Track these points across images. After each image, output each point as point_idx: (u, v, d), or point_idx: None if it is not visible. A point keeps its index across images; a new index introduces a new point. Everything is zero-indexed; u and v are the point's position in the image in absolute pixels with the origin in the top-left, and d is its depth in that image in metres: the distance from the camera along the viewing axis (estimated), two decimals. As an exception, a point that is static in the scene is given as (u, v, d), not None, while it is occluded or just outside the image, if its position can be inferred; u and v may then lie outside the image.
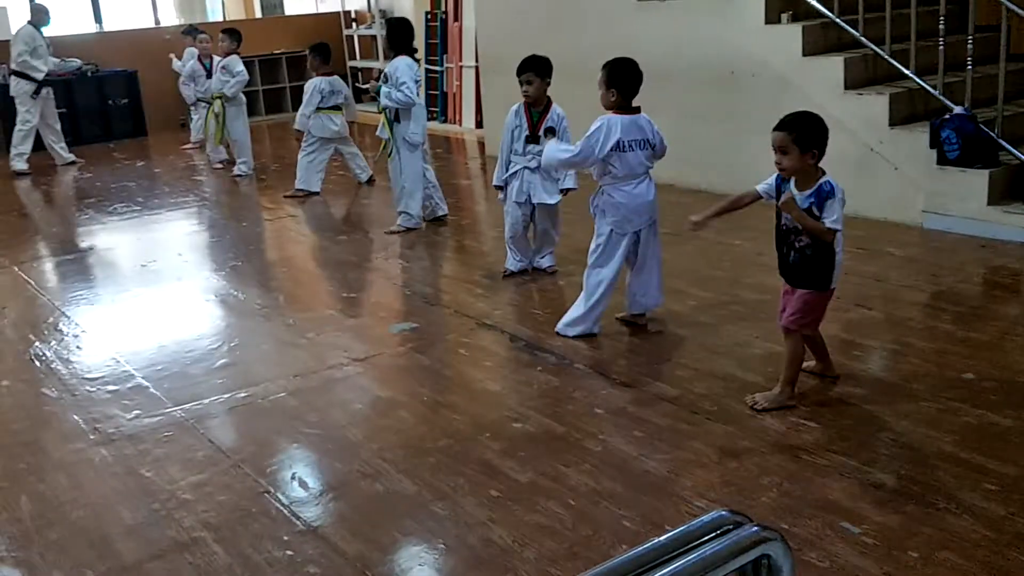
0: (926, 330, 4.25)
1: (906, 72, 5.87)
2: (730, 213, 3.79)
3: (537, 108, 5.02)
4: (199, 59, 9.72)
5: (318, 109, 7.57)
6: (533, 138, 5.04)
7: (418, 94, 6.27)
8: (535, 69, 4.94)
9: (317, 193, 7.78)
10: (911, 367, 3.83)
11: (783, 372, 3.52)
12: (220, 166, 9.30)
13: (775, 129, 3.35)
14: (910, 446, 3.19)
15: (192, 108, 10.45)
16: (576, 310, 4.32)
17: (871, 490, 2.93)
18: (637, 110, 4.17)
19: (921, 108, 5.89)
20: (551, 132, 4.96)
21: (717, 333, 4.30)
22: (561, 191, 5.13)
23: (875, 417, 3.41)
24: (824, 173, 3.36)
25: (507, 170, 5.15)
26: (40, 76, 9.57)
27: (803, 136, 3.29)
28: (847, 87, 5.98)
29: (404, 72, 6.09)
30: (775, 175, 3.49)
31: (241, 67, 8.62)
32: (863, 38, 6.04)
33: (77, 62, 11.00)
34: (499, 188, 5.24)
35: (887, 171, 5.80)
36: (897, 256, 5.25)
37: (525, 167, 5.10)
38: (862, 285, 4.80)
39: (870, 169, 5.85)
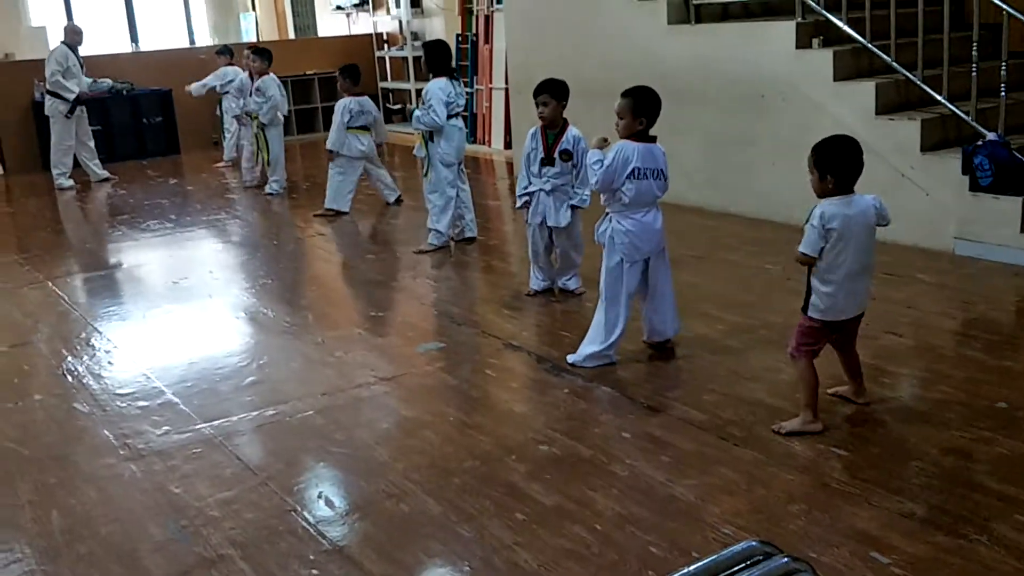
0: (957, 358, 4.21)
1: (938, 98, 5.84)
2: None
3: (553, 130, 5.04)
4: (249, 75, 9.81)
5: (348, 129, 7.64)
6: (548, 160, 5.06)
7: (459, 113, 6.31)
8: (550, 91, 4.97)
9: (346, 213, 7.83)
10: (942, 395, 3.79)
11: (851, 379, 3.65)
12: (252, 183, 9.40)
13: (809, 156, 3.45)
14: (941, 475, 3.16)
15: (225, 127, 10.59)
16: (592, 345, 4.25)
17: (901, 519, 2.90)
18: (654, 139, 4.15)
19: (953, 134, 5.86)
20: (567, 155, 4.99)
21: (746, 358, 4.28)
22: (570, 207, 5.11)
23: (905, 445, 3.38)
24: (829, 198, 3.39)
25: (525, 191, 5.19)
26: (71, 96, 9.72)
27: (819, 160, 3.38)
28: (878, 112, 5.96)
29: (435, 94, 6.15)
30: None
31: (274, 90, 8.72)
32: (895, 63, 6.01)
33: (108, 82, 11.17)
34: (521, 208, 5.29)
35: (918, 197, 5.76)
36: (928, 283, 5.21)
37: (540, 189, 5.12)
38: (892, 312, 4.76)
39: (901, 195, 5.81)
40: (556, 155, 5.02)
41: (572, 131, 5.04)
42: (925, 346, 4.36)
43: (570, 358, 4.29)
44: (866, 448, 3.37)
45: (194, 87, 10.52)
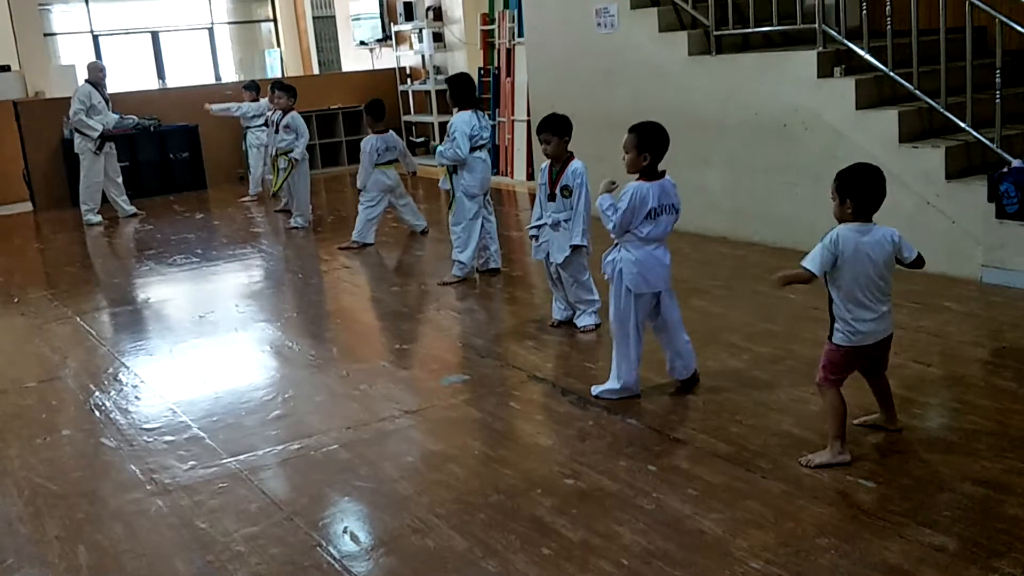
0: (987, 388, 4.15)
1: (962, 125, 5.81)
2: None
3: (556, 165, 5.05)
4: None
5: (376, 165, 7.71)
6: (551, 196, 5.07)
7: (483, 146, 6.35)
8: (551, 129, 5.00)
9: (371, 244, 7.88)
10: (972, 426, 3.74)
11: (883, 409, 3.64)
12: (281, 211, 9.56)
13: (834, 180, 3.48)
14: (973, 508, 3.11)
15: (251, 162, 10.72)
16: (613, 383, 4.24)
17: (932, 553, 2.85)
18: (663, 174, 4.13)
19: (978, 161, 5.82)
20: (566, 191, 5.00)
21: (772, 389, 4.25)
22: (571, 247, 5.06)
23: (936, 477, 3.33)
24: (845, 223, 3.42)
25: (534, 224, 5.24)
26: (95, 134, 9.86)
27: (841, 186, 3.41)
28: (902, 140, 5.94)
29: (458, 127, 6.20)
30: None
31: (304, 127, 8.83)
32: (917, 91, 6.00)
33: (133, 119, 11.25)
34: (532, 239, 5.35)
35: (944, 225, 5.72)
36: (956, 311, 5.16)
37: (546, 224, 5.14)
38: (920, 341, 4.72)
39: (926, 223, 5.78)
40: (557, 191, 5.04)
41: (574, 165, 5.02)
42: (954, 375, 4.31)
43: (594, 390, 4.28)
44: (896, 480, 3.32)
45: (215, 107, 10.85)
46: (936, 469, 3.39)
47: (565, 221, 5.08)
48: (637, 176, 4.11)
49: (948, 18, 5.83)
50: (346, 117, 13.01)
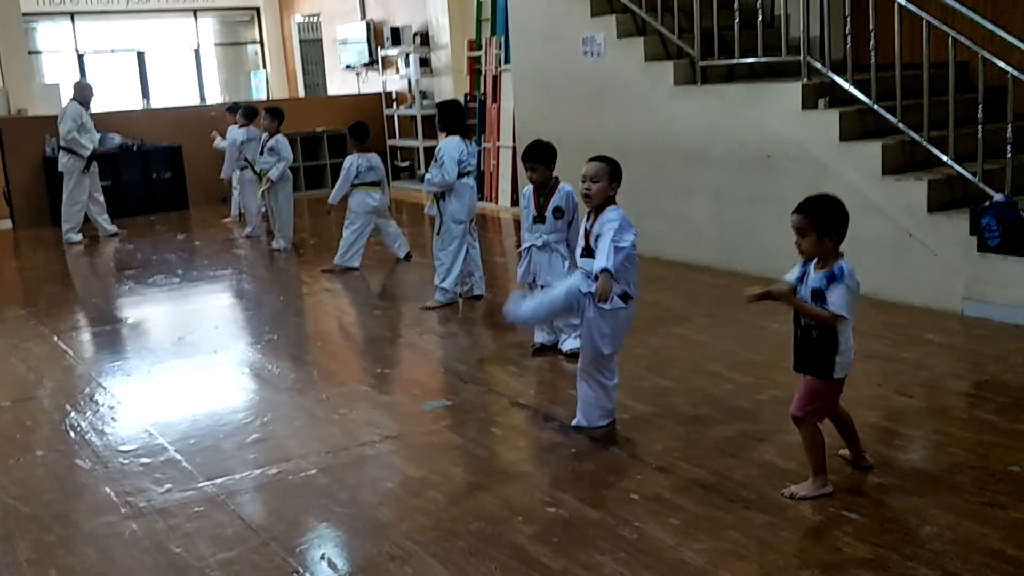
0: (969, 420, 4.15)
1: (944, 159, 5.86)
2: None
3: (543, 190, 5.07)
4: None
5: (357, 185, 7.68)
6: (539, 218, 5.09)
7: (469, 172, 6.34)
8: (536, 158, 5.01)
9: (356, 269, 7.84)
10: (954, 458, 3.74)
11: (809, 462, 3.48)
12: (255, 234, 9.51)
13: (794, 212, 3.38)
14: (955, 541, 3.09)
15: (234, 184, 10.64)
16: (591, 413, 4.20)
17: (916, 587, 2.83)
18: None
19: (960, 194, 5.86)
20: (559, 212, 5.03)
21: (755, 418, 4.23)
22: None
23: (918, 509, 3.32)
24: (841, 256, 3.35)
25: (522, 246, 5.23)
26: (86, 152, 9.83)
27: (820, 220, 3.32)
28: (885, 172, 5.97)
29: (447, 152, 6.19)
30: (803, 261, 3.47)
31: (288, 150, 8.81)
32: (901, 124, 6.05)
33: (117, 138, 11.25)
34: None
35: (926, 257, 5.75)
36: (938, 343, 5.17)
37: (532, 245, 5.14)
38: (902, 372, 4.72)
39: (909, 255, 5.81)
40: (548, 213, 5.05)
41: (564, 188, 5.05)
42: (936, 408, 4.31)
43: (576, 423, 4.22)
44: (879, 512, 3.31)
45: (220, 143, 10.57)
46: (918, 502, 3.38)
47: (556, 242, 5.07)
48: (601, 206, 4.08)
49: (931, 53, 5.89)
50: (331, 140, 13.02)
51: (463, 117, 6.57)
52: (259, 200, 9.26)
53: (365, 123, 7.95)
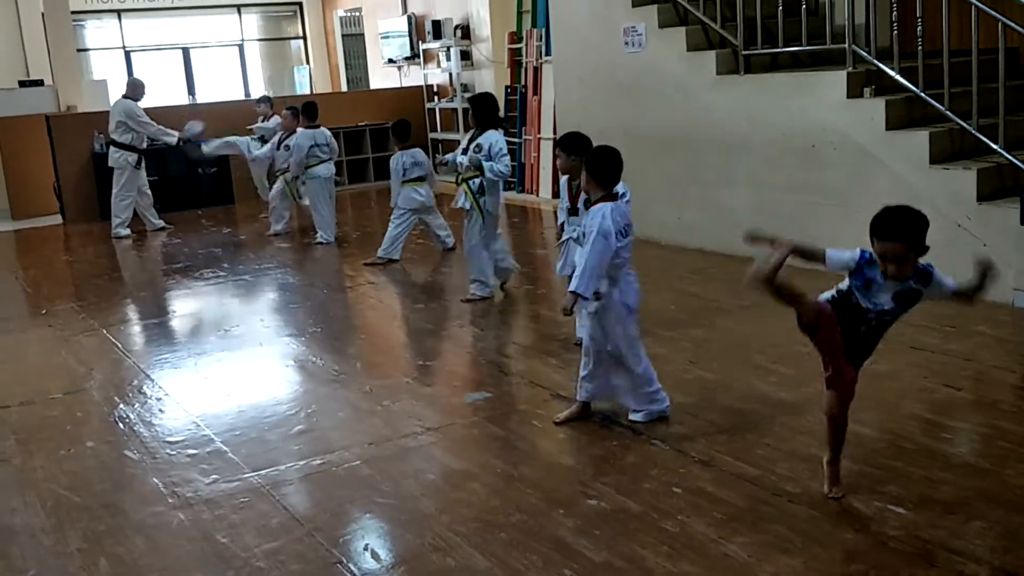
0: (1019, 413, 4.08)
1: (994, 147, 5.74)
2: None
3: (575, 180, 5.02)
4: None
5: (404, 182, 7.73)
6: (573, 210, 5.05)
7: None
8: (561, 145, 4.98)
9: (397, 260, 7.88)
10: (1003, 452, 3.67)
11: None
12: (283, 231, 9.62)
13: (884, 238, 3.12)
14: (1004, 535, 3.04)
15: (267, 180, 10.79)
16: (657, 403, 4.19)
17: (964, 582, 2.79)
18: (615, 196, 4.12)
19: (1011, 183, 5.75)
20: (590, 204, 4.96)
21: (800, 411, 4.19)
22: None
23: (966, 503, 3.27)
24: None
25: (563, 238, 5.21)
26: (173, 140, 10.21)
27: (919, 241, 3.15)
28: (932, 161, 5.87)
29: (503, 144, 6.21)
30: (858, 252, 3.26)
31: (301, 146, 8.92)
32: (948, 112, 5.94)
33: (199, 126, 10.99)
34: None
35: (976, 248, 5.64)
36: (988, 335, 5.08)
37: (570, 238, 5.12)
38: (950, 364, 4.65)
39: (957, 246, 5.70)
40: (580, 205, 5.01)
41: None
42: (985, 400, 4.24)
43: (635, 416, 4.18)
44: (926, 506, 3.26)
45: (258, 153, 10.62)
46: (966, 495, 3.32)
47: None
48: (599, 197, 4.06)
49: (980, 39, 5.77)
50: (373, 134, 13.09)
51: (498, 110, 6.53)
52: (290, 197, 9.40)
53: (407, 120, 7.99)
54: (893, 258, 3.12)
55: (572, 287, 4.01)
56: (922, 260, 3.21)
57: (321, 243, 8.99)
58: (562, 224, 5.22)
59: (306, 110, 9.15)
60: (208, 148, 10.41)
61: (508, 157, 6.24)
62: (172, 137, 10.22)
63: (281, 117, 9.58)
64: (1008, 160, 5.69)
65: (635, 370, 4.15)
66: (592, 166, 4.09)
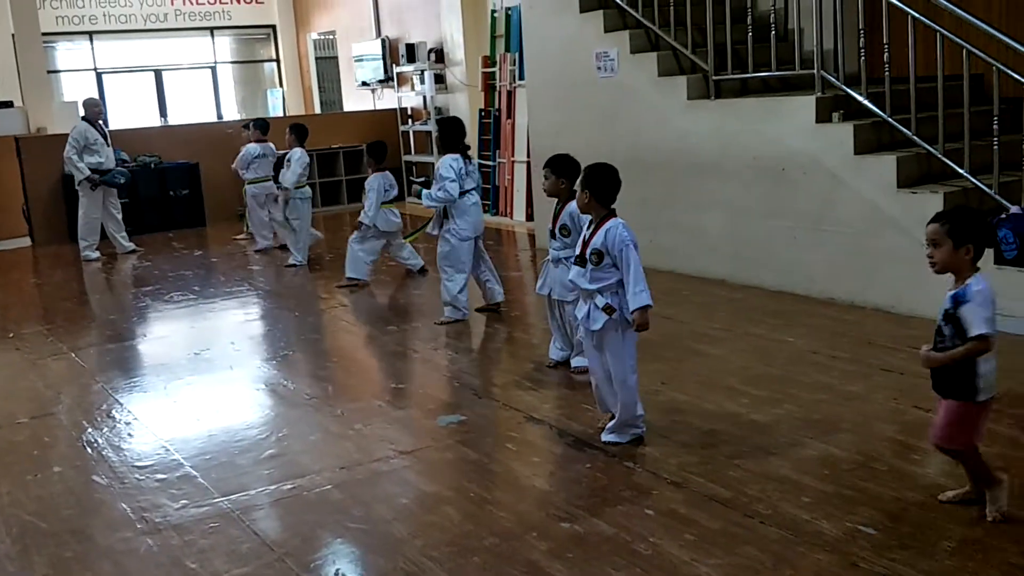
0: (988, 434, 4.07)
1: (960, 171, 5.83)
2: None
3: (559, 204, 5.04)
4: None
5: (383, 204, 7.75)
6: (552, 233, 5.07)
7: (474, 188, 6.37)
8: (551, 166, 4.97)
9: (367, 283, 7.86)
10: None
11: (974, 484, 3.35)
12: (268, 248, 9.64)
13: (930, 222, 3.21)
14: (974, 556, 3.07)
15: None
16: (633, 427, 4.19)
17: (934, 603, 2.81)
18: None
19: (976, 206, 5.82)
20: (565, 230, 4.98)
21: (771, 433, 4.21)
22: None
23: (936, 524, 3.29)
24: (976, 272, 3.17)
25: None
26: (80, 176, 9.92)
27: (958, 228, 3.13)
28: (900, 185, 5.95)
29: (447, 170, 6.21)
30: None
31: (301, 158, 8.91)
32: (915, 137, 6.03)
33: (122, 172, 10.68)
34: None
35: (943, 270, 5.71)
36: (955, 356, 5.12)
37: (549, 260, 5.13)
38: (920, 386, 4.66)
39: (925, 268, 5.72)
40: (556, 230, 5.02)
41: (572, 205, 4.91)
42: (954, 422, 4.27)
43: (606, 437, 4.19)
44: (896, 527, 3.28)
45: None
46: (936, 516, 3.35)
47: (566, 258, 5.06)
48: (603, 216, 4.10)
49: (946, 65, 5.87)
50: (347, 156, 13.09)
51: (462, 135, 6.53)
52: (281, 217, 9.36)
53: (383, 142, 8.01)
54: (930, 243, 3.20)
55: (639, 304, 3.94)
56: (975, 280, 3.15)
57: (293, 265, 8.95)
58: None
59: (259, 125, 9.51)
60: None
61: (450, 182, 6.16)
62: (81, 175, 9.91)
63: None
64: (974, 184, 5.78)
65: (631, 393, 4.14)
66: (593, 184, 4.11)
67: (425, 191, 6.28)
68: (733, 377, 4.97)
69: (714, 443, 4.15)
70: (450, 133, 6.41)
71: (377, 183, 7.70)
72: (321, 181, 12.89)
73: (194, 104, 17.03)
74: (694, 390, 4.85)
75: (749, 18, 7.03)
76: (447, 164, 6.25)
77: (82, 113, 10.30)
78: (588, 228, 4.16)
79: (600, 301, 4.04)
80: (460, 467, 4.12)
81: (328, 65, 16.14)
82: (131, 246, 10.39)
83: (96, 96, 11.10)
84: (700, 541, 3.27)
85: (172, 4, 16.48)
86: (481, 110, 11.67)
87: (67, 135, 10.17)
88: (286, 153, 9.07)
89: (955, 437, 3.25)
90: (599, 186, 4.10)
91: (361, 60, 14.25)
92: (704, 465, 3.91)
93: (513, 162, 11.02)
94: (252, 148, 9.92)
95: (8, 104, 13.05)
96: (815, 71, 6.49)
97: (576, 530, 3.41)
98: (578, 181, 4.18)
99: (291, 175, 8.81)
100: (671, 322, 5.98)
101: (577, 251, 4.17)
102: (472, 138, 10.22)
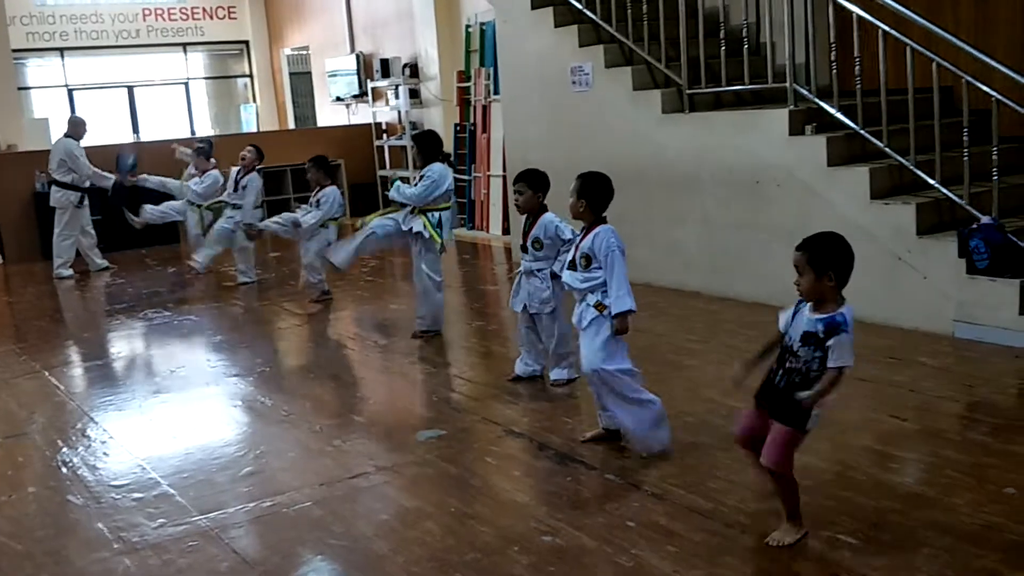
0: (963, 442, 4.16)
1: (931, 182, 5.90)
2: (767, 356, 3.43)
3: (531, 217, 5.06)
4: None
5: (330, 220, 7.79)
6: (523, 246, 5.10)
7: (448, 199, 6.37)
8: (526, 180, 5.01)
9: (329, 295, 7.85)
10: (949, 480, 3.74)
11: (784, 509, 3.29)
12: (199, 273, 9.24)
13: (796, 248, 3.19)
14: (953, 564, 3.09)
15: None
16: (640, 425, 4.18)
17: (914, 610, 2.83)
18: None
19: (948, 217, 5.90)
20: (537, 243, 5.01)
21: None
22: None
23: (915, 532, 3.32)
24: (843, 303, 3.12)
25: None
26: (108, 183, 10.02)
27: (817, 257, 3.10)
28: (873, 197, 6.01)
29: (436, 172, 6.16)
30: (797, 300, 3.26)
31: (257, 184, 9.04)
32: (887, 148, 6.10)
33: (130, 158, 10.68)
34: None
35: (916, 280, 5.78)
36: (929, 366, 5.18)
37: (521, 272, 5.14)
38: (895, 396, 4.73)
39: (899, 278, 5.83)
40: (529, 243, 5.04)
41: (546, 218, 4.98)
42: (930, 430, 4.31)
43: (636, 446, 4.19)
44: (876, 536, 3.30)
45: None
46: (914, 525, 3.37)
47: (538, 271, 5.07)
48: (591, 222, 4.16)
49: (916, 78, 5.94)
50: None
51: (440, 145, 6.51)
52: (199, 227, 9.23)
53: (326, 156, 8.12)
54: (796, 269, 3.17)
55: (620, 308, 4.01)
56: (847, 312, 3.11)
57: (246, 283, 8.87)
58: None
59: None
60: (149, 215, 9.72)
61: (429, 183, 6.11)
62: (109, 181, 9.99)
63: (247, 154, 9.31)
64: (945, 195, 5.86)
65: (643, 397, 4.18)
66: (589, 192, 4.16)
67: (399, 183, 6.23)
68: (711, 389, 4.99)
69: (694, 454, 4.16)
70: (428, 145, 6.39)
71: (334, 196, 7.75)
72: (295, 196, 12.83)
73: (167, 120, 16.94)
74: (673, 402, 4.84)
75: (722, 32, 7.09)
76: (437, 167, 6.19)
77: (63, 131, 10.22)
78: (579, 233, 4.25)
79: (592, 299, 4.11)
80: (440, 482, 4.11)
81: (302, 80, 16.11)
82: (104, 263, 10.31)
83: (73, 114, 10.94)
84: (682, 552, 3.27)
85: (144, 20, 16.39)
86: (456, 125, 11.69)
87: (39, 152, 10.07)
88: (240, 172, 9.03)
89: (786, 463, 3.21)
90: (594, 195, 4.17)
91: (335, 75, 14.24)
92: (684, 476, 3.92)
93: (489, 176, 11.04)
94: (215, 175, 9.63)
95: (-23, 121, 12.96)
96: (788, 84, 6.56)
97: (558, 543, 3.40)
98: (572, 189, 4.19)
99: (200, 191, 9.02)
100: (647, 335, 5.99)
101: (570, 256, 4.24)
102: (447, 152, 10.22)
